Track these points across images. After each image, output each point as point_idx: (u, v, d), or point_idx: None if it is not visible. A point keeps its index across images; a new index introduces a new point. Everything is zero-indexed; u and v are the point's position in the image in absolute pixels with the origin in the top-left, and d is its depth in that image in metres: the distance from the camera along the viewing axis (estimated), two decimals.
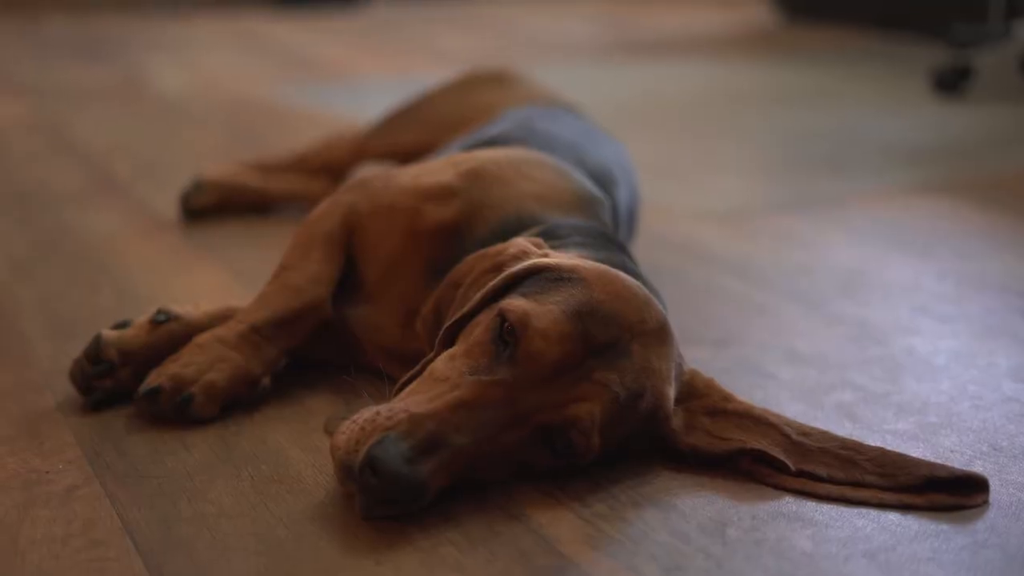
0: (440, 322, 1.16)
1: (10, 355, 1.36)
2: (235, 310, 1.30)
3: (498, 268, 1.13)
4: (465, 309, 1.09)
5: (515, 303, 1.03)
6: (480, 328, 1.06)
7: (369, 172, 1.37)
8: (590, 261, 1.11)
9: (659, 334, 1.07)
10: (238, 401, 1.20)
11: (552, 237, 1.21)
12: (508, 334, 1.02)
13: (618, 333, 1.03)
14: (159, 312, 1.26)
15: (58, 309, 1.50)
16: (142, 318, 1.26)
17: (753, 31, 4.19)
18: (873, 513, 1.01)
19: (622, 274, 1.09)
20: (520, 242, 1.16)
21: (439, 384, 1.02)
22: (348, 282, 1.31)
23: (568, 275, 1.06)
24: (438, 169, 1.32)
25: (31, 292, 1.56)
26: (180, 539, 0.97)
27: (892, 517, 1.01)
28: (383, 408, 0.99)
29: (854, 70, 3.39)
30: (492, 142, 1.49)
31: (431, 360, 1.08)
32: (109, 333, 1.23)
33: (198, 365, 1.18)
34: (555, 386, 1.01)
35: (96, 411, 1.21)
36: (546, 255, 1.13)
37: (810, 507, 1.02)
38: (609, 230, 1.28)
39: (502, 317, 1.03)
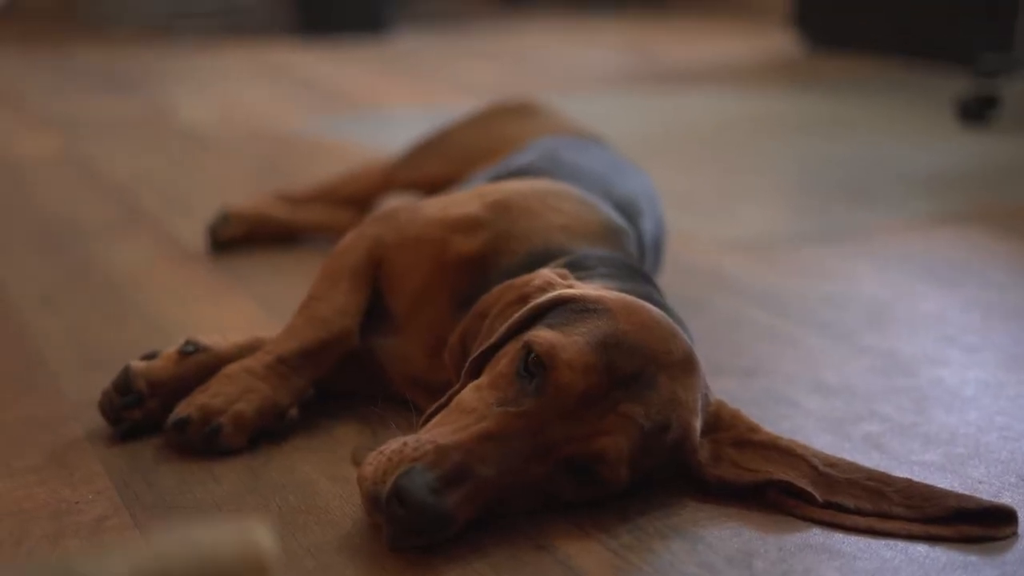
0: (466, 353, 1.16)
1: (39, 386, 1.36)
2: (263, 341, 1.30)
3: (524, 299, 1.13)
4: (491, 340, 1.10)
5: (541, 334, 1.04)
6: (506, 359, 1.06)
7: (395, 203, 1.38)
8: (615, 292, 1.11)
9: (685, 365, 1.07)
10: (266, 432, 1.21)
11: (578, 268, 1.21)
12: (534, 365, 1.02)
13: (644, 364, 1.03)
14: (187, 343, 1.27)
15: (87, 341, 1.51)
16: (170, 349, 1.27)
17: (777, 60, 4.19)
18: (901, 545, 1.01)
19: (647, 305, 1.09)
20: (545, 273, 1.16)
21: (465, 415, 1.02)
22: (375, 312, 1.32)
23: (594, 306, 1.07)
24: (464, 201, 1.33)
25: (60, 324, 1.57)
26: None
27: (920, 549, 1.01)
28: (410, 439, 0.99)
29: (879, 99, 3.39)
30: (518, 172, 1.49)
31: (457, 391, 1.08)
32: (138, 364, 1.24)
33: (226, 396, 1.19)
34: (581, 418, 1.01)
35: (125, 442, 1.21)
36: (571, 286, 1.13)
37: (837, 539, 1.02)
38: (635, 261, 1.29)
39: (528, 348, 1.03)
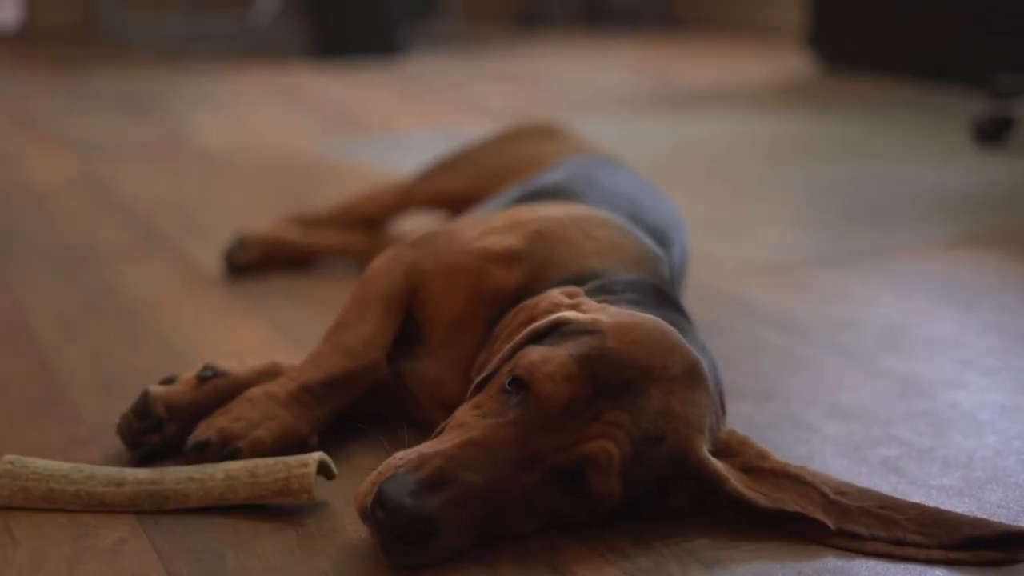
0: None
1: (59, 411, 1.37)
2: (280, 366, 1.31)
3: (531, 322, 1.15)
4: (492, 365, 1.11)
5: (530, 353, 1.05)
6: (497, 379, 1.08)
7: (431, 228, 1.37)
8: (619, 311, 1.11)
9: (685, 380, 1.07)
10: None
11: (606, 292, 1.22)
12: (517, 382, 1.04)
13: (632, 376, 1.04)
14: (205, 368, 1.27)
15: (105, 365, 1.51)
16: (188, 374, 1.27)
17: (791, 81, 4.20)
18: (919, 570, 1.01)
19: (652, 324, 1.09)
20: (552, 295, 1.18)
21: (455, 430, 1.04)
22: (404, 335, 1.32)
23: (586, 327, 1.08)
24: (502, 228, 1.33)
25: (78, 348, 1.57)
26: None
27: (939, 574, 1.00)
28: (401, 452, 1.02)
29: (894, 120, 3.39)
30: (551, 190, 1.49)
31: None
32: (156, 389, 1.24)
33: (247, 421, 1.19)
34: (566, 427, 1.02)
35: (143, 465, 1.22)
36: (576, 305, 1.14)
37: (856, 563, 1.02)
38: (666, 286, 1.28)
39: (514, 367, 1.05)
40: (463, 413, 1.07)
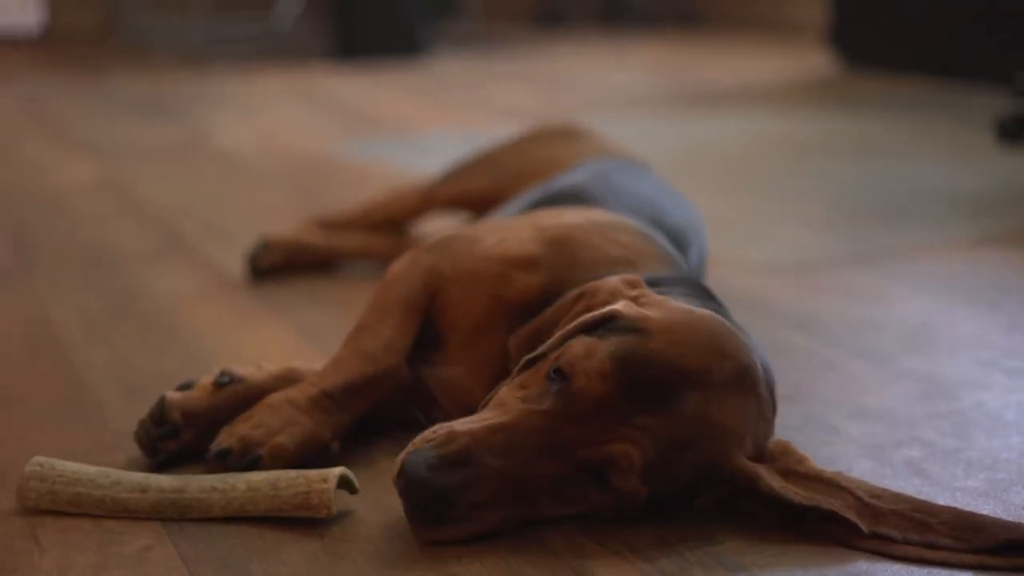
0: (531, 347, 1.19)
1: (83, 416, 1.38)
2: (298, 371, 1.31)
3: (587, 310, 1.16)
4: (542, 348, 1.12)
5: (574, 344, 1.07)
6: (544, 364, 1.09)
7: (450, 232, 1.37)
8: (672, 309, 1.11)
9: (731, 386, 1.07)
10: (305, 465, 1.21)
11: (656, 285, 1.22)
12: (563, 370, 1.05)
13: (670, 380, 1.04)
14: (222, 374, 1.27)
15: (129, 370, 1.52)
16: (205, 379, 1.27)
17: (812, 80, 4.19)
18: (947, 574, 1.00)
19: (705, 324, 1.09)
20: (613, 284, 1.17)
21: (494, 409, 1.07)
22: (425, 339, 1.32)
23: (634, 324, 1.08)
24: (522, 232, 1.33)
25: (103, 353, 1.58)
26: None
27: None
28: (437, 425, 1.06)
29: (916, 119, 3.37)
30: (570, 193, 1.49)
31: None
32: (173, 395, 1.25)
33: (268, 428, 1.19)
34: (595, 424, 1.03)
35: (162, 471, 1.22)
36: (636, 296, 1.14)
37: (881, 568, 1.02)
38: (708, 287, 1.28)
39: (560, 355, 1.07)
40: (507, 392, 1.09)
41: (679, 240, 1.45)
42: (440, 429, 1.05)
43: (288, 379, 1.30)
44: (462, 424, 1.05)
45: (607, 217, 1.37)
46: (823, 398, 1.40)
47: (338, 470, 1.10)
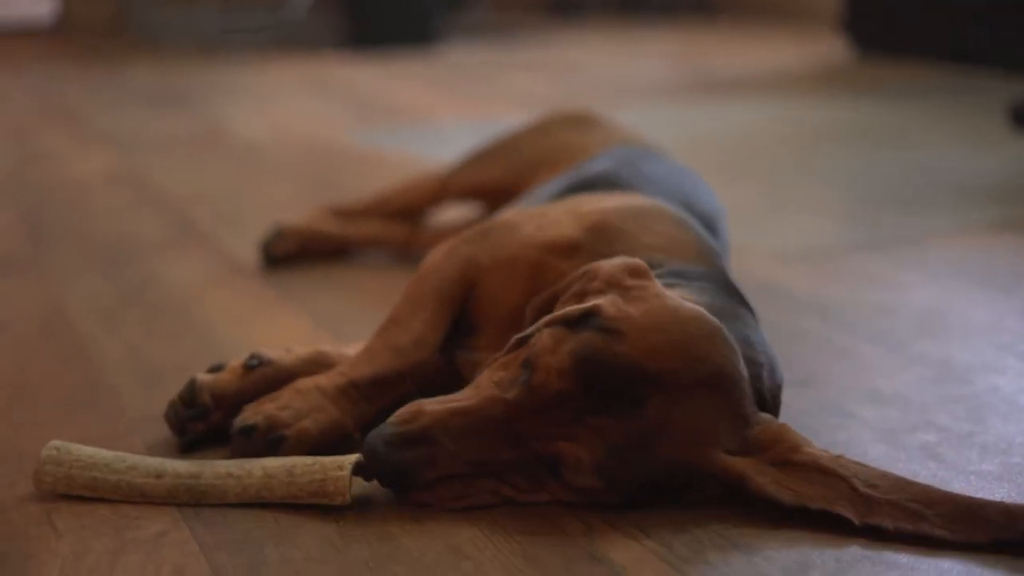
0: (539, 317, 1.20)
1: (100, 403, 1.38)
2: (327, 355, 1.31)
3: (583, 295, 1.16)
4: (530, 330, 1.13)
5: (543, 336, 1.08)
6: (523, 348, 1.11)
7: (488, 222, 1.37)
8: (655, 308, 1.10)
9: (700, 388, 1.06)
10: (326, 452, 1.22)
11: (680, 277, 1.22)
12: (526, 362, 1.08)
13: (631, 385, 1.04)
14: (252, 357, 1.28)
15: (144, 358, 1.52)
16: (235, 362, 1.28)
17: (827, 67, 4.18)
18: (959, 556, 1.00)
19: (686, 327, 1.08)
20: (612, 270, 1.16)
21: (470, 389, 1.10)
22: (459, 324, 1.32)
23: (609, 324, 1.07)
24: (561, 219, 1.33)
25: (118, 341, 1.59)
26: None
27: (979, 559, 1.00)
28: (414, 402, 1.09)
29: (930, 105, 3.37)
30: (599, 181, 1.49)
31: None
32: (204, 377, 1.26)
33: (295, 410, 1.20)
34: (552, 419, 1.05)
35: (186, 454, 1.23)
36: (635, 286, 1.13)
37: (894, 550, 1.02)
38: (733, 281, 1.27)
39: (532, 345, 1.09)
40: (487, 372, 1.12)
41: (709, 225, 1.46)
42: (409, 408, 1.08)
43: (317, 363, 1.31)
44: (431, 404, 1.08)
45: (645, 203, 1.36)
46: (837, 383, 1.40)
47: (353, 457, 1.10)
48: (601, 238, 1.29)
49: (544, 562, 1.01)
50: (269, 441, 1.18)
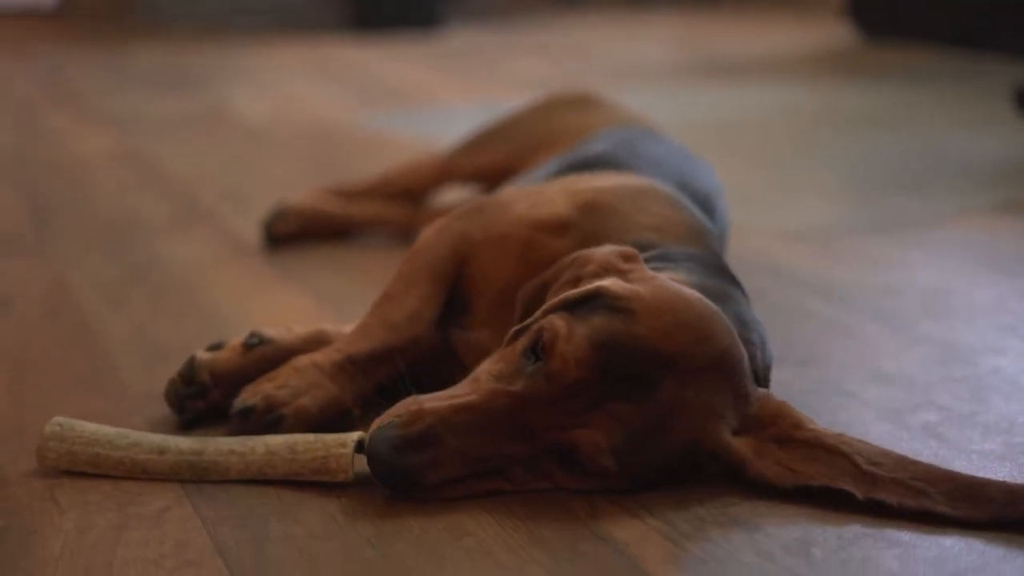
0: (535, 302, 1.19)
1: (102, 381, 1.38)
2: (327, 333, 1.31)
3: (577, 281, 1.15)
4: (528, 321, 1.12)
5: (555, 323, 1.06)
6: (524, 338, 1.09)
7: (480, 199, 1.37)
8: (660, 288, 1.10)
9: (709, 369, 1.06)
10: (326, 429, 1.22)
11: (667, 260, 1.22)
12: (540, 350, 1.05)
13: (648, 368, 1.03)
14: (252, 335, 1.28)
15: (148, 336, 1.52)
16: (235, 340, 1.28)
17: (831, 50, 4.17)
18: (960, 533, 1.01)
19: (690, 307, 1.08)
20: (605, 256, 1.16)
21: (469, 383, 1.08)
22: (453, 302, 1.32)
23: (620, 304, 1.07)
24: (553, 198, 1.32)
25: (121, 320, 1.59)
26: (271, 559, 0.99)
27: (981, 536, 1.00)
28: (411, 398, 1.06)
29: (935, 89, 3.36)
30: (596, 161, 1.49)
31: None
32: (203, 356, 1.26)
33: (292, 389, 1.20)
34: (566, 408, 1.03)
35: (186, 431, 1.23)
36: (627, 271, 1.13)
37: (895, 527, 1.02)
38: (724, 262, 1.27)
39: (540, 332, 1.06)
40: (485, 366, 1.10)
41: (705, 204, 1.45)
42: (410, 405, 1.05)
43: (317, 342, 1.30)
44: (430, 401, 1.05)
45: (639, 183, 1.36)
46: (841, 363, 1.40)
47: (356, 434, 1.10)
48: (593, 217, 1.29)
49: (548, 540, 1.01)
50: (268, 421, 1.18)
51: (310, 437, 1.12)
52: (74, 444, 1.13)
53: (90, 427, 1.15)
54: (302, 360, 1.24)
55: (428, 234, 1.34)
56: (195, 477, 1.12)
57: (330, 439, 1.10)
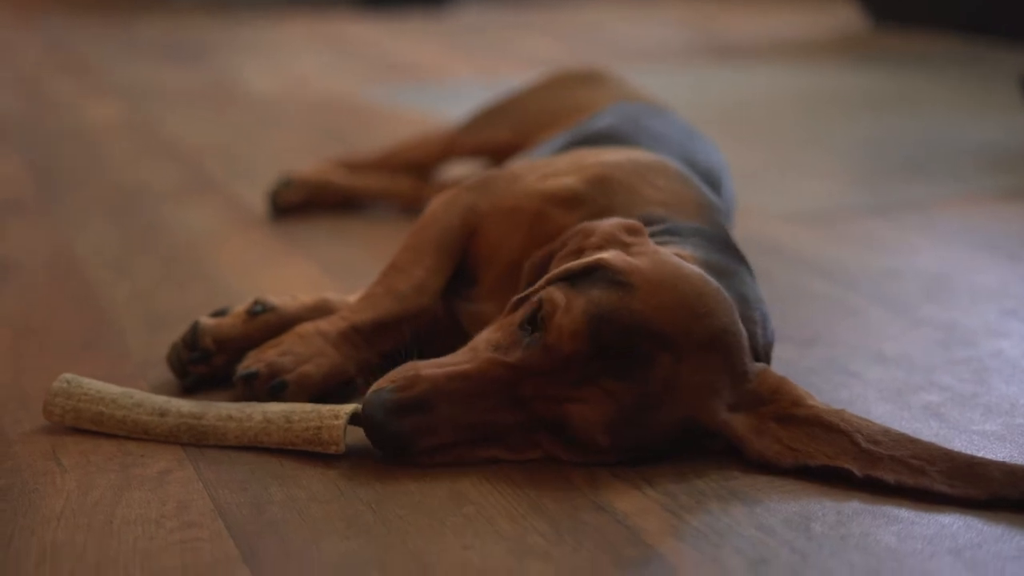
0: (541, 273, 1.19)
1: (106, 346, 1.39)
2: (330, 302, 1.31)
3: (579, 252, 1.15)
4: (529, 291, 1.12)
5: (554, 295, 1.06)
6: (523, 308, 1.09)
7: (490, 171, 1.37)
8: (661, 263, 1.10)
9: (707, 348, 1.06)
10: (329, 396, 1.22)
11: (673, 234, 1.21)
12: (539, 321, 1.06)
13: (643, 344, 1.03)
14: (256, 303, 1.28)
15: (152, 303, 1.53)
16: (239, 307, 1.28)
17: (839, 34, 4.17)
18: (958, 511, 1.01)
19: (690, 283, 1.08)
20: (609, 228, 1.16)
21: (466, 352, 1.09)
22: (460, 274, 1.32)
23: (620, 278, 1.07)
24: (563, 171, 1.32)
25: (127, 286, 1.59)
26: (271, 522, 0.99)
27: (979, 514, 1.00)
28: (409, 364, 1.07)
29: (941, 74, 3.36)
30: (601, 136, 1.49)
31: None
32: (207, 321, 1.26)
33: (296, 355, 1.20)
34: (560, 381, 1.04)
35: (189, 395, 1.23)
36: (630, 244, 1.13)
37: (894, 504, 1.02)
38: (731, 238, 1.27)
39: (539, 304, 1.07)
40: (484, 335, 1.11)
41: (711, 181, 1.45)
42: (407, 371, 1.06)
43: (321, 310, 1.30)
44: (427, 367, 1.06)
45: (648, 157, 1.36)
46: (843, 343, 1.40)
47: (351, 407, 1.10)
48: (602, 191, 1.28)
49: (548, 509, 1.02)
50: (271, 387, 1.18)
51: (307, 407, 1.12)
52: (79, 401, 1.14)
53: (96, 385, 1.15)
54: (307, 327, 1.24)
55: (436, 205, 1.34)
56: (193, 440, 1.13)
57: (325, 410, 1.11)
